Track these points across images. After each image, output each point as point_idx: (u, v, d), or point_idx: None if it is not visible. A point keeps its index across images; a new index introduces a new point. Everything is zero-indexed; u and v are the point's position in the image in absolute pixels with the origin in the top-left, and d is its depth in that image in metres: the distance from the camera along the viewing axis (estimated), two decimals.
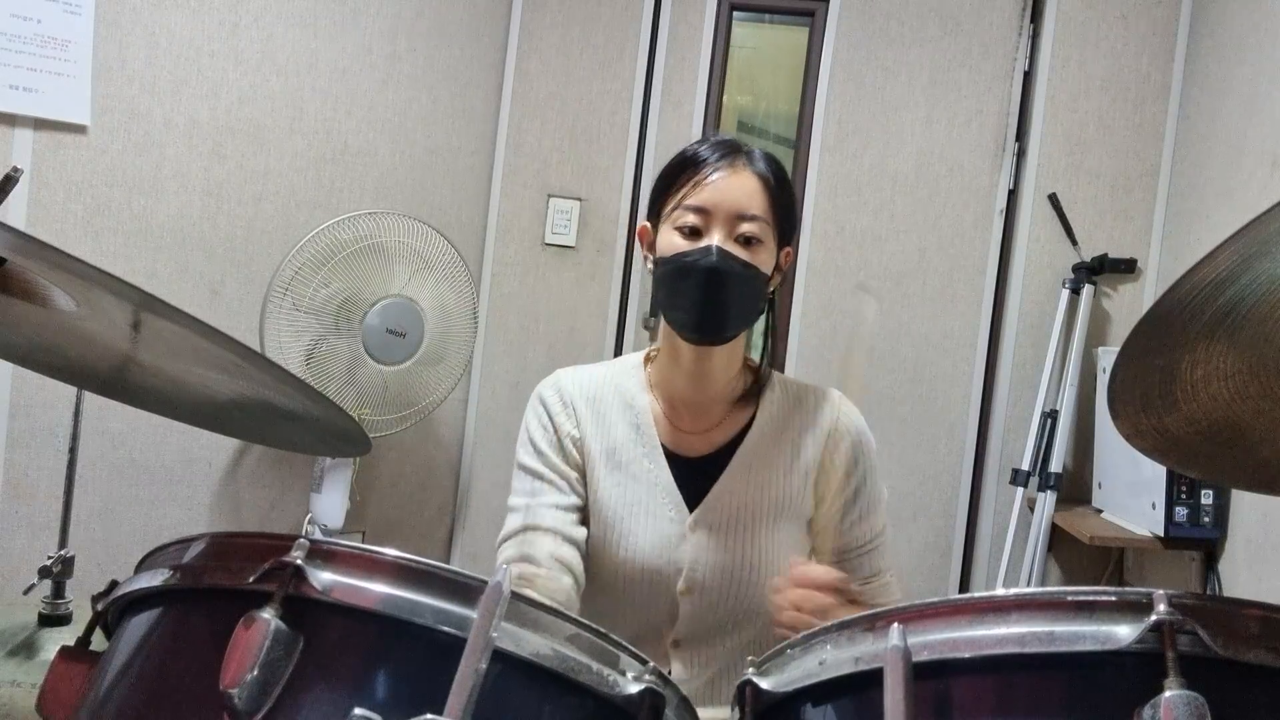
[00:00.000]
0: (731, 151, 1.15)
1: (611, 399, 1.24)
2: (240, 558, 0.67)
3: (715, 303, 1.11)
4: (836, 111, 2.63)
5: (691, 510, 1.19)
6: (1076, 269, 2.49)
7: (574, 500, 1.21)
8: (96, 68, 1.92)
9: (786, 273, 1.24)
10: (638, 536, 1.20)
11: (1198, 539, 2.05)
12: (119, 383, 1.09)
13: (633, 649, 0.68)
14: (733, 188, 1.12)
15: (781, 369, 2.63)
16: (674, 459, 1.21)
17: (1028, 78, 2.56)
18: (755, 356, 1.27)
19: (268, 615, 0.60)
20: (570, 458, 1.21)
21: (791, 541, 1.21)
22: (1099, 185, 2.52)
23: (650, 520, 1.20)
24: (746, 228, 1.12)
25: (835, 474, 1.21)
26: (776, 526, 1.19)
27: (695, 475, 1.21)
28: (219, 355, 0.87)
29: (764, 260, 1.14)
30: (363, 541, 1.43)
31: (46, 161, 1.89)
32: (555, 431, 1.22)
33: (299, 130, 2.24)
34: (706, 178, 1.13)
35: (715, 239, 1.11)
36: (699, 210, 1.12)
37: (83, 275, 0.76)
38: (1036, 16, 2.56)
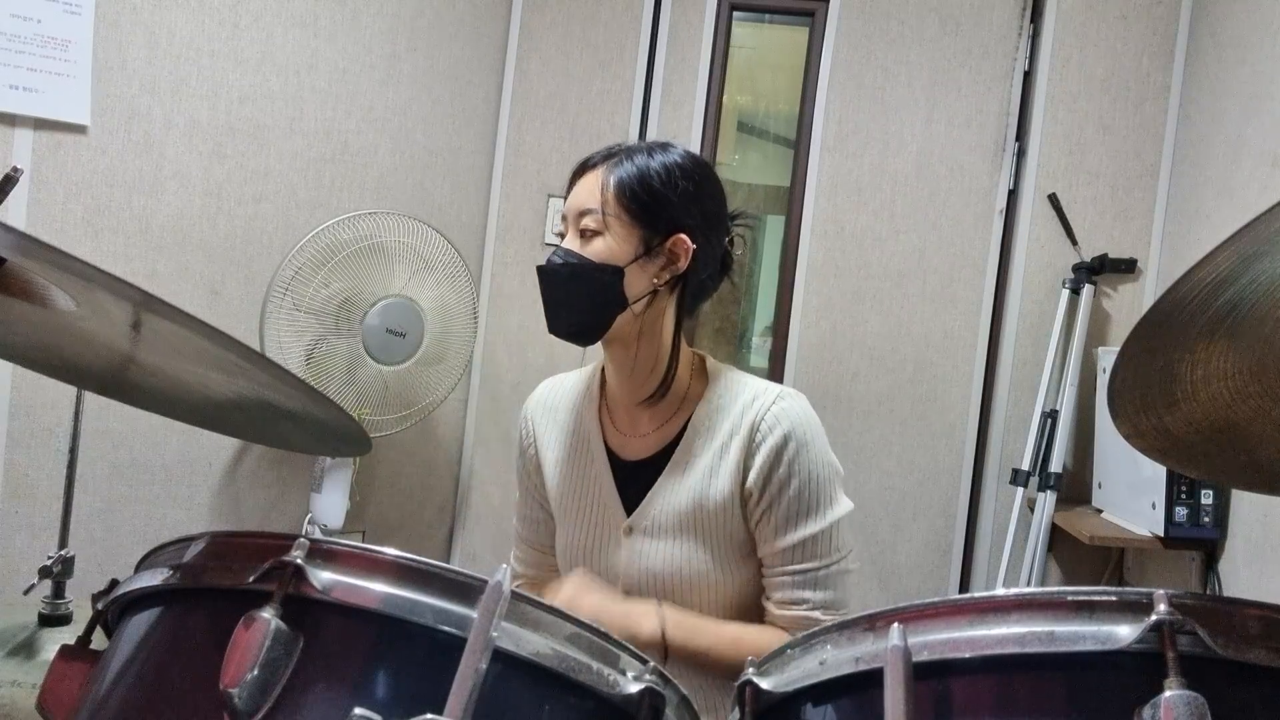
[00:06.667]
0: (595, 160, 1.16)
1: (568, 405, 1.28)
2: (240, 557, 0.67)
3: (552, 301, 1.14)
4: (836, 111, 2.63)
5: (629, 515, 1.19)
6: (1076, 269, 2.49)
7: (534, 510, 1.31)
8: (96, 68, 1.92)
9: (699, 258, 1.14)
10: (578, 539, 1.23)
11: (1198, 539, 2.05)
12: (119, 383, 1.09)
13: (633, 648, 0.68)
14: (578, 191, 1.15)
15: (781, 368, 2.64)
16: (617, 462, 1.22)
17: (1028, 78, 2.56)
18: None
19: (268, 615, 0.60)
20: (529, 466, 1.30)
21: (732, 550, 1.15)
22: (1099, 185, 2.52)
23: (590, 524, 1.22)
24: (584, 222, 1.13)
25: (757, 472, 1.12)
26: (714, 535, 1.14)
27: (635, 479, 1.19)
28: (219, 355, 0.87)
29: (601, 250, 1.11)
30: (363, 541, 1.44)
31: (46, 161, 1.89)
32: (520, 442, 1.31)
33: (299, 130, 2.24)
34: (568, 192, 1.18)
35: (565, 242, 1.15)
36: (563, 219, 1.17)
37: (83, 275, 0.76)
38: (1036, 16, 2.56)
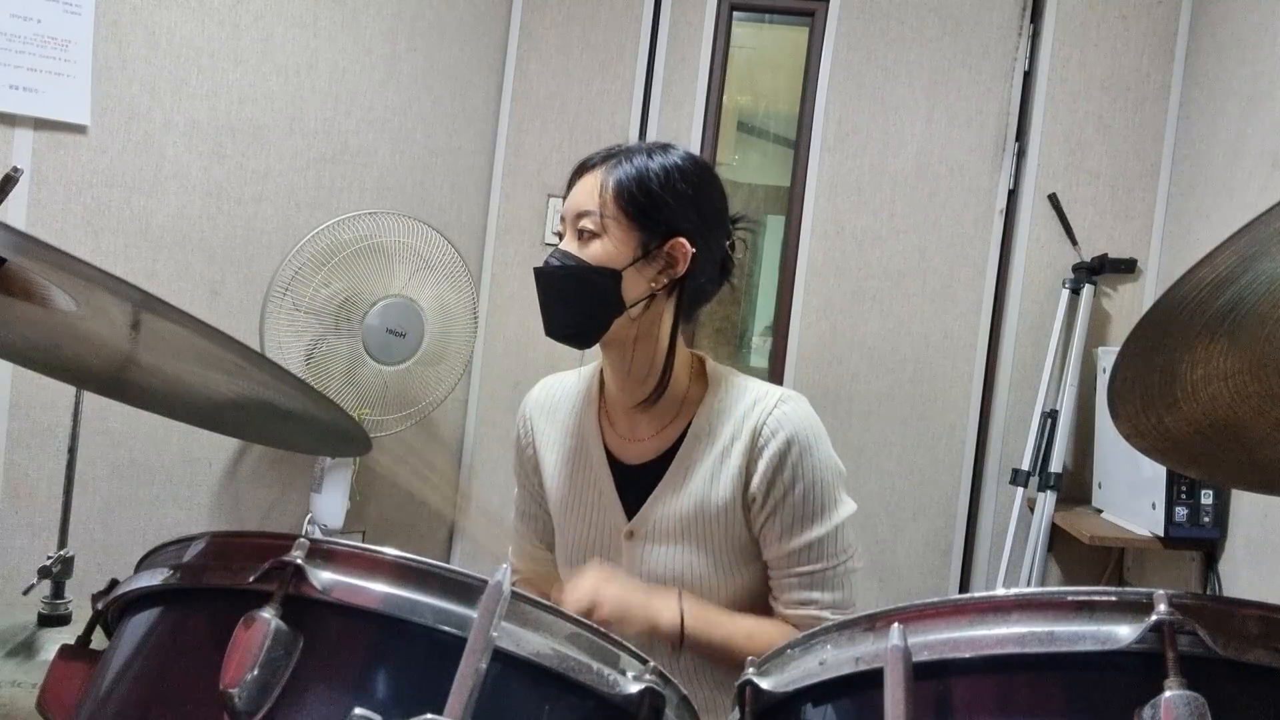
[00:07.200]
0: (595, 161, 1.15)
1: (567, 406, 1.27)
2: (240, 557, 0.67)
3: (548, 303, 1.14)
4: (836, 111, 2.63)
5: (630, 519, 1.18)
6: (1076, 269, 2.49)
7: (532, 506, 1.32)
8: (96, 68, 1.92)
9: (698, 261, 1.13)
10: (578, 543, 1.22)
11: (1198, 539, 2.05)
12: (119, 383, 1.09)
13: (633, 648, 0.68)
14: (576, 192, 1.15)
15: (781, 369, 2.64)
16: (617, 466, 1.21)
17: (1028, 78, 2.56)
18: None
19: (268, 615, 0.60)
20: (527, 466, 1.30)
21: (735, 555, 1.15)
22: (1099, 185, 2.52)
23: (590, 528, 1.21)
24: (582, 223, 1.12)
25: (760, 478, 1.12)
26: (716, 539, 1.14)
27: (636, 484, 1.19)
28: (219, 355, 0.87)
29: (598, 253, 1.10)
30: (363, 541, 1.44)
31: (46, 161, 1.89)
32: (518, 441, 1.31)
33: (299, 130, 2.24)
34: (567, 192, 1.17)
35: (562, 244, 1.14)
36: (562, 220, 1.16)
37: (83, 275, 0.76)
38: (1036, 16, 2.56)
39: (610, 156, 1.14)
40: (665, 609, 1.08)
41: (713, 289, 1.21)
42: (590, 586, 1.07)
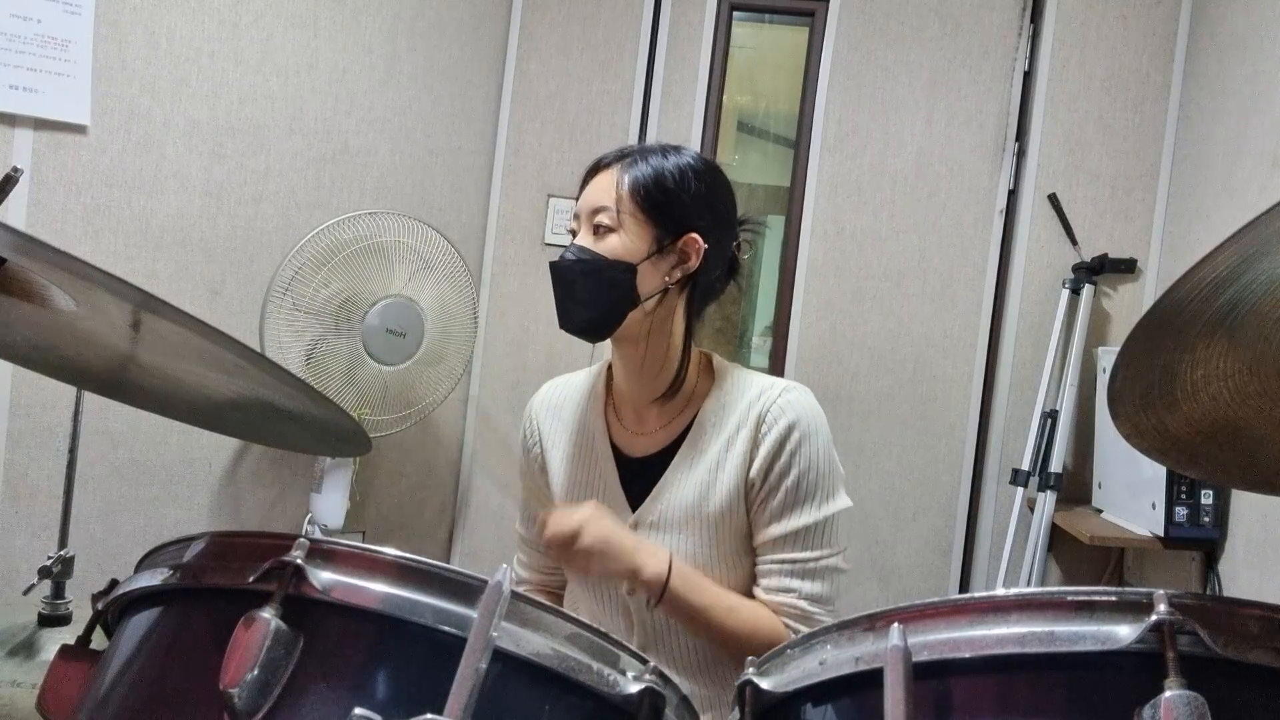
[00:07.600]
0: (609, 159, 1.19)
1: (573, 403, 1.29)
2: (240, 557, 0.67)
3: (565, 296, 1.16)
4: (836, 111, 2.63)
5: (634, 510, 1.20)
6: (1076, 269, 2.49)
7: (538, 510, 1.30)
8: (96, 68, 1.92)
9: (710, 258, 1.17)
10: None
11: (1198, 539, 2.05)
12: (119, 383, 1.09)
13: (633, 648, 0.68)
14: (591, 189, 1.18)
15: (781, 368, 2.64)
16: (622, 459, 1.23)
17: (1028, 78, 2.56)
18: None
19: (268, 615, 0.61)
20: (534, 466, 1.31)
21: (738, 544, 1.16)
22: (1099, 185, 2.52)
23: None
24: (598, 218, 1.15)
25: (760, 462, 1.14)
26: (719, 528, 1.16)
27: (641, 476, 1.21)
28: (219, 355, 0.87)
29: (614, 247, 1.13)
30: (363, 541, 1.44)
31: (46, 161, 1.89)
32: (524, 442, 1.32)
33: (299, 130, 2.24)
34: (580, 191, 1.20)
35: (578, 239, 1.16)
36: (575, 218, 1.19)
37: (83, 275, 0.76)
38: (1036, 16, 2.56)
39: (624, 156, 1.18)
40: (652, 559, 1.09)
41: (721, 287, 1.25)
42: (580, 517, 1.08)
